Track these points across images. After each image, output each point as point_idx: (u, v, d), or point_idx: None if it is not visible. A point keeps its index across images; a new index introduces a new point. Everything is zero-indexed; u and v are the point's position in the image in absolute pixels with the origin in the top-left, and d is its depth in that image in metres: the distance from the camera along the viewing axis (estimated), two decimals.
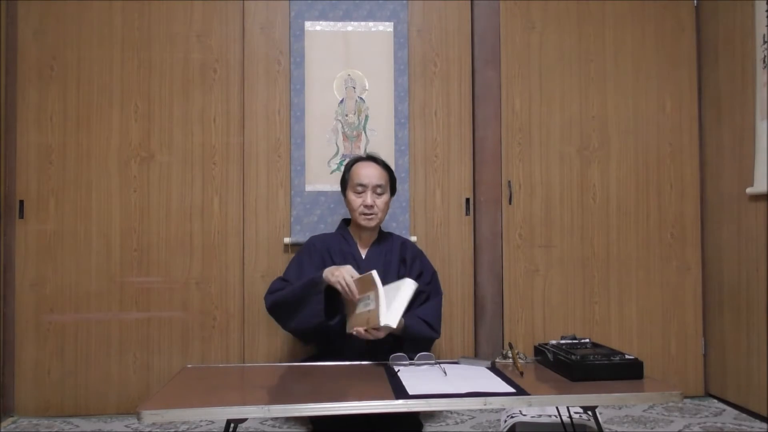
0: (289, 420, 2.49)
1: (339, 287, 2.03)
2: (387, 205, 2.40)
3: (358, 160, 2.43)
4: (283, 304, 2.20)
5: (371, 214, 2.34)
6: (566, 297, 2.84)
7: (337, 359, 2.10)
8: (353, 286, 2.01)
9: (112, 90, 2.73)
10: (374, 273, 1.96)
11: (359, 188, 2.35)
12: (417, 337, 2.21)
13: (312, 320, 2.10)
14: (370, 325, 1.97)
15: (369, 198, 2.33)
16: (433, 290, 2.39)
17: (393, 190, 2.45)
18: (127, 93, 2.74)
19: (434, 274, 2.44)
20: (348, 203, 2.40)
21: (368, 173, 2.36)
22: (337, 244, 2.38)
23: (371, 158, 2.42)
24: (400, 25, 2.81)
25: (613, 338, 2.83)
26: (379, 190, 2.36)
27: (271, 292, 2.28)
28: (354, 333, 2.04)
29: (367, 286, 1.99)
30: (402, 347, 2.18)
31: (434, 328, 2.28)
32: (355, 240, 2.41)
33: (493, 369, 1.83)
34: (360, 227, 2.39)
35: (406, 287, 2.02)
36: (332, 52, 2.79)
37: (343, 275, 2.03)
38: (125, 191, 2.72)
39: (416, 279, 2.36)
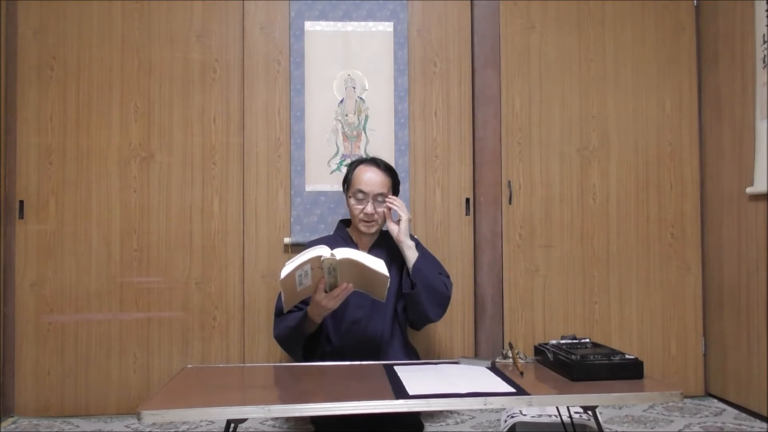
0: (289, 420, 2.49)
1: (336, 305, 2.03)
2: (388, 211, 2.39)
3: (361, 162, 2.40)
4: (284, 339, 2.25)
5: (371, 222, 2.33)
6: (566, 297, 2.84)
7: (337, 359, 2.10)
8: (344, 292, 1.99)
9: (112, 90, 2.73)
10: (322, 254, 1.89)
11: (360, 195, 2.32)
12: (426, 273, 2.25)
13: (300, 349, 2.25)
14: (319, 293, 1.97)
15: (369, 207, 2.31)
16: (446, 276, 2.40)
17: (396, 193, 2.43)
18: (127, 93, 2.74)
19: (441, 264, 2.44)
20: (349, 207, 2.39)
21: (370, 180, 2.32)
22: (337, 247, 2.36)
23: (375, 162, 2.38)
24: (400, 25, 2.81)
25: (613, 338, 2.83)
26: (380, 198, 2.33)
27: (276, 313, 2.29)
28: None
29: (317, 268, 1.94)
30: (416, 295, 2.24)
31: (445, 284, 2.31)
32: (355, 242, 2.40)
33: (493, 369, 1.83)
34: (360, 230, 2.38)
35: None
36: (332, 52, 2.79)
37: (329, 306, 2.01)
38: (125, 191, 2.72)
39: None
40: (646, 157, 2.89)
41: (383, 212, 2.34)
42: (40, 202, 2.69)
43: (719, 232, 2.77)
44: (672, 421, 2.46)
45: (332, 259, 1.87)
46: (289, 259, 1.94)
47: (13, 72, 2.69)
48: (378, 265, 1.91)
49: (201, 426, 2.47)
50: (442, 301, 2.30)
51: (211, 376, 1.83)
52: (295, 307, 2.17)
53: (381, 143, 2.78)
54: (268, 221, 2.76)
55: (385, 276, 1.90)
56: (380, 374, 1.78)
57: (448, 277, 2.39)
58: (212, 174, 2.76)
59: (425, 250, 2.42)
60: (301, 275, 1.91)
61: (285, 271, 1.87)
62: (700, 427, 2.39)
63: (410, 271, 2.28)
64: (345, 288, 1.96)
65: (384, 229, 2.45)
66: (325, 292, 1.98)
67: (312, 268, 1.90)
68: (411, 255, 2.29)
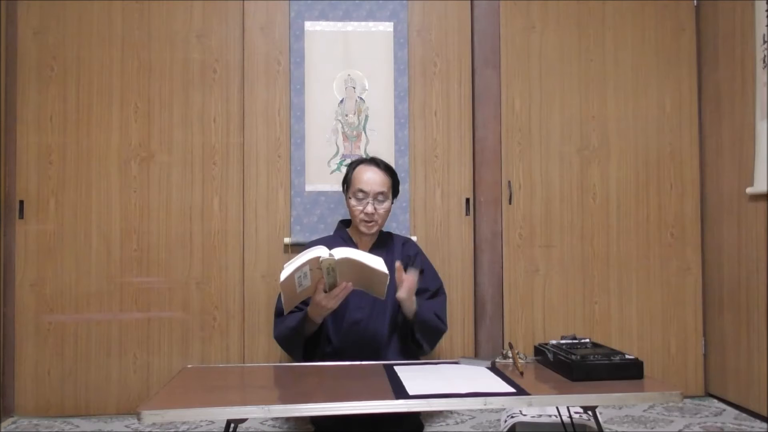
0: (289, 420, 2.49)
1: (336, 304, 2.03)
2: (388, 212, 2.38)
3: (361, 162, 2.40)
4: (285, 339, 2.24)
5: (371, 222, 2.33)
6: (566, 297, 2.84)
7: (337, 360, 2.10)
8: (344, 292, 1.98)
9: (112, 90, 2.73)
10: (321, 255, 1.88)
11: (360, 194, 2.32)
12: (427, 323, 2.24)
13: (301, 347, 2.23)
14: (319, 293, 1.96)
15: (369, 206, 2.31)
16: (438, 290, 2.39)
17: (396, 193, 2.43)
18: (127, 93, 2.74)
19: (437, 275, 2.44)
20: (349, 207, 2.39)
21: (370, 179, 2.32)
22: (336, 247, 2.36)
23: (374, 162, 2.38)
24: (400, 25, 2.81)
25: (613, 338, 2.83)
26: (380, 198, 2.32)
27: (276, 314, 2.30)
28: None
29: (316, 269, 1.93)
30: (413, 336, 2.24)
31: (442, 320, 2.31)
32: (355, 242, 2.39)
33: (493, 369, 1.82)
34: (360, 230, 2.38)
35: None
36: (332, 52, 2.79)
37: (329, 306, 2.00)
38: (125, 191, 2.72)
39: (418, 275, 2.36)
40: (646, 157, 2.89)
41: (383, 212, 2.34)
42: (40, 202, 2.69)
43: (719, 232, 2.77)
44: (672, 421, 2.46)
45: (331, 259, 1.87)
46: (289, 259, 1.94)
47: (13, 72, 2.69)
48: (377, 263, 1.91)
49: (201, 426, 2.47)
50: (438, 338, 2.34)
51: (211, 376, 1.83)
52: (296, 307, 2.17)
53: (381, 143, 2.78)
54: (268, 221, 2.76)
55: (385, 274, 1.90)
56: (380, 374, 1.78)
57: (443, 292, 2.41)
58: (212, 174, 2.76)
59: (426, 261, 2.43)
60: (300, 277, 1.91)
61: (284, 274, 1.87)
62: (700, 427, 2.39)
63: (409, 318, 2.25)
64: (344, 287, 1.96)
65: (384, 229, 2.46)
66: (325, 292, 1.97)
67: (311, 269, 1.90)
68: (410, 312, 2.24)
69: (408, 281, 2.13)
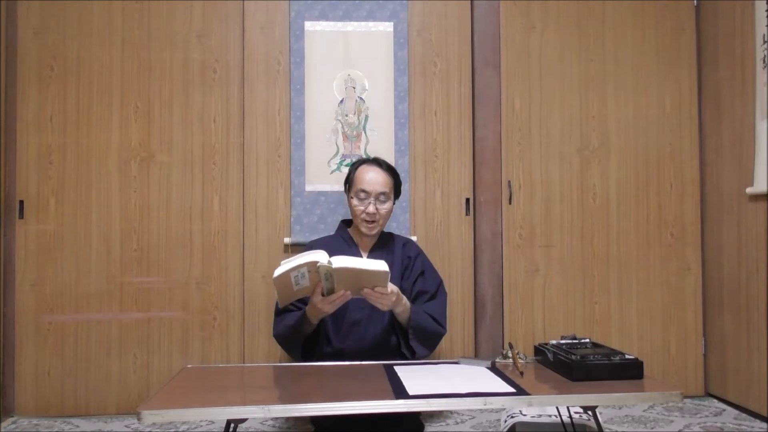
0: (289, 420, 2.49)
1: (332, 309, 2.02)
2: (390, 212, 2.38)
3: (363, 162, 2.40)
4: (284, 338, 2.24)
5: (372, 222, 2.33)
6: (566, 297, 2.84)
7: (337, 360, 2.10)
8: (341, 299, 1.97)
9: (112, 90, 2.73)
10: (319, 260, 1.87)
11: (362, 194, 2.32)
12: (423, 328, 2.22)
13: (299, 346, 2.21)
14: (316, 295, 1.95)
15: (371, 207, 2.31)
16: (438, 290, 2.39)
17: (398, 194, 2.43)
18: (127, 93, 2.74)
19: (436, 273, 2.44)
20: (350, 207, 2.39)
21: (372, 179, 2.32)
22: (338, 248, 2.35)
23: (377, 162, 2.38)
24: (400, 25, 2.81)
25: (613, 338, 2.83)
26: (382, 198, 2.32)
27: (276, 313, 2.29)
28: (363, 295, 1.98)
29: (313, 273, 1.93)
30: (408, 341, 2.22)
31: (440, 323, 2.29)
32: (356, 242, 2.40)
33: (493, 369, 1.83)
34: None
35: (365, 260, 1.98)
36: (332, 52, 2.79)
37: (325, 310, 2.00)
38: (125, 191, 2.72)
39: (417, 277, 2.37)
40: (646, 157, 2.89)
41: (385, 212, 2.35)
42: (40, 202, 2.69)
43: (719, 232, 2.77)
44: (672, 421, 2.46)
45: (328, 266, 1.86)
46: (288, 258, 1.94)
47: (13, 72, 2.69)
48: (376, 264, 1.90)
49: (201, 426, 2.47)
50: (437, 341, 2.31)
51: (211, 376, 1.83)
52: (294, 306, 2.17)
53: (381, 143, 2.78)
54: (268, 221, 2.76)
55: (385, 272, 1.90)
56: (380, 374, 1.78)
57: (443, 291, 2.39)
58: (212, 174, 2.76)
59: (426, 261, 2.43)
60: (297, 276, 1.91)
61: (279, 271, 1.88)
62: (700, 427, 2.39)
63: (403, 324, 2.25)
64: (342, 295, 1.95)
65: (385, 230, 2.46)
66: (323, 295, 1.97)
67: (309, 271, 1.90)
68: (404, 317, 2.23)
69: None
